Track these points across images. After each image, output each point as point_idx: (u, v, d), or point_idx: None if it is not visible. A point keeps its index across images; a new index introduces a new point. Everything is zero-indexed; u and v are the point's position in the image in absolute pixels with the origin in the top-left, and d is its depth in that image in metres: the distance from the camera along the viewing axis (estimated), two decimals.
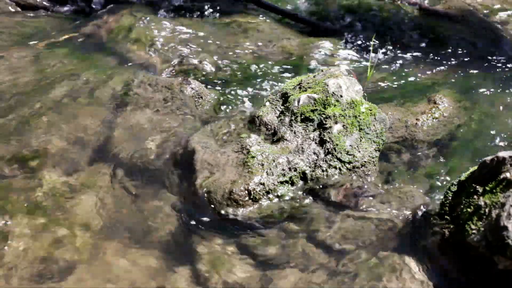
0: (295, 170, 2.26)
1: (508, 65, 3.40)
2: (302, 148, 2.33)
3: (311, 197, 2.26)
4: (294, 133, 2.39)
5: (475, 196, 1.86)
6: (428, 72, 3.31)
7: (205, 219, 2.21)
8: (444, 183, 2.38)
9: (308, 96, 2.44)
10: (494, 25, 3.83)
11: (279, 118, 2.48)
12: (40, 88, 3.03)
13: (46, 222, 2.18)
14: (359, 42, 3.59)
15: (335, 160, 2.31)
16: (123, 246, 2.11)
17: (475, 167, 1.94)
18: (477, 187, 1.87)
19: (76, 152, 2.58)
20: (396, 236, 2.09)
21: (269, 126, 2.48)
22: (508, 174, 1.79)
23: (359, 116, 2.39)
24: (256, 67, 3.33)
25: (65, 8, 4.12)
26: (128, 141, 2.63)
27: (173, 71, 3.27)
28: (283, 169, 2.25)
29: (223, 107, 2.91)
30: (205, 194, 2.23)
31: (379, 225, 2.14)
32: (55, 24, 3.89)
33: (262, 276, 1.98)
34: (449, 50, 3.56)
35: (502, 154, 1.85)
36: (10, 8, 4.06)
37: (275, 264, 2.02)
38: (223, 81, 3.19)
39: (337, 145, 2.32)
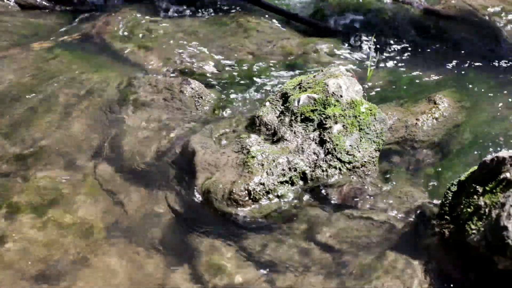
0: (295, 170, 2.26)
1: (508, 65, 3.40)
2: (302, 148, 2.33)
3: (311, 197, 2.26)
4: (294, 133, 2.39)
5: (475, 196, 1.86)
6: (428, 72, 3.31)
7: (205, 219, 2.21)
8: (444, 183, 2.38)
9: (308, 96, 2.44)
10: (494, 25, 3.83)
11: (279, 118, 2.48)
12: (40, 88, 3.03)
13: (45, 221, 2.18)
14: (359, 42, 3.59)
15: (335, 160, 2.31)
16: (123, 245, 2.11)
17: (475, 167, 1.94)
18: (477, 187, 1.87)
19: (76, 152, 2.58)
20: (396, 236, 2.09)
21: (269, 126, 2.48)
22: (508, 174, 1.79)
23: (359, 116, 2.39)
24: (256, 67, 3.33)
25: (65, 8, 4.12)
26: (128, 141, 2.63)
27: (173, 71, 3.27)
28: (283, 169, 2.25)
29: (223, 107, 2.91)
30: (205, 194, 2.23)
31: (379, 225, 2.14)
32: (55, 24, 3.89)
33: (262, 276, 1.98)
34: (449, 50, 3.56)
35: (502, 154, 1.85)
36: (10, 8, 4.06)
37: (275, 264, 2.02)
38: (223, 81, 3.19)
39: (337, 145, 2.32)
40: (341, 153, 2.32)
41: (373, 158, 2.37)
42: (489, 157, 1.89)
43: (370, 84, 3.13)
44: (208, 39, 3.60)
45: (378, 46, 3.54)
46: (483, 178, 1.88)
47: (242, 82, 3.17)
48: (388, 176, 2.44)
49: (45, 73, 3.19)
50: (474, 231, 1.79)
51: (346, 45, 3.57)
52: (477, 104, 2.91)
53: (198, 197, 2.26)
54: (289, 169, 2.26)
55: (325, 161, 2.31)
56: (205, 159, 2.36)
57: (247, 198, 2.18)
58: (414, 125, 2.67)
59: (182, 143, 2.54)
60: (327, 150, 2.32)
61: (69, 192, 2.33)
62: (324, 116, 2.38)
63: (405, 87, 3.15)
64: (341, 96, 2.42)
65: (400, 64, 3.42)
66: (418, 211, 2.16)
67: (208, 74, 3.25)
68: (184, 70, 3.27)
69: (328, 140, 2.33)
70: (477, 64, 3.41)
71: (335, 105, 2.40)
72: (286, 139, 2.38)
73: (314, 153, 2.32)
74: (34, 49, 3.47)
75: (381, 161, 2.47)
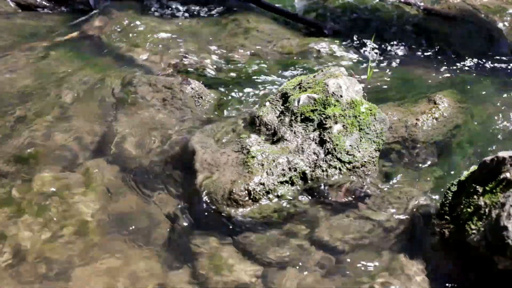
0: (295, 170, 2.26)
1: (508, 65, 3.40)
2: (302, 148, 2.33)
3: (311, 197, 2.26)
4: (294, 133, 2.39)
5: (475, 196, 1.86)
6: (428, 72, 3.31)
7: (205, 219, 2.21)
8: (444, 183, 2.38)
9: (308, 96, 2.44)
10: (494, 25, 3.83)
11: (279, 118, 2.48)
12: (40, 88, 3.03)
13: (45, 221, 2.18)
14: (359, 42, 3.59)
15: (335, 160, 2.31)
16: (123, 245, 2.11)
17: (475, 167, 1.95)
18: (477, 187, 1.87)
19: (76, 152, 2.58)
20: (396, 236, 2.09)
21: (269, 126, 2.48)
22: (508, 174, 1.79)
23: (359, 116, 2.39)
24: (256, 67, 3.33)
25: (65, 8, 4.12)
26: (128, 141, 2.63)
27: (173, 71, 3.27)
28: (283, 169, 2.25)
29: (223, 107, 2.91)
30: (205, 194, 2.23)
31: (378, 225, 2.14)
32: (55, 24, 3.88)
33: (262, 276, 1.98)
34: (449, 50, 3.56)
35: (502, 154, 1.85)
36: (10, 8, 4.06)
37: (275, 264, 2.02)
38: (223, 81, 3.18)
39: (337, 145, 2.32)
40: (341, 153, 2.31)
41: (373, 158, 2.37)
42: (489, 157, 1.89)
43: (370, 84, 3.13)
44: (208, 39, 3.60)
45: (378, 46, 3.54)
46: (483, 178, 1.88)
47: (242, 82, 3.17)
48: (388, 176, 2.44)
49: (44, 73, 3.19)
50: (474, 231, 1.79)
51: (346, 45, 3.57)
52: (477, 104, 2.91)
53: (198, 197, 2.26)
54: (289, 169, 2.26)
55: (325, 161, 2.31)
56: (205, 158, 2.35)
57: (247, 198, 2.18)
58: (414, 125, 2.67)
59: (182, 143, 2.54)
60: (327, 150, 2.32)
61: (69, 192, 2.33)
62: (324, 116, 2.38)
63: (405, 87, 3.14)
64: (341, 96, 2.42)
65: (400, 64, 3.42)
66: (418, 211, 2.15)
67: (208, 74, 3.25)
68: (184, 70, 3.27)
69: (328, 140, 2.33)
70: (477, 64, 3.42)
71: (335, 105, 2.40)
72: (286, 139, 2.38)
73: (314, 153, 2.32)
74: (38, 48, 3.46)
75: (381, 161, 2.47)
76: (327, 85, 2.44)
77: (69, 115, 2.81)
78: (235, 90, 3.06)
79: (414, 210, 2.17)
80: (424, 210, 2.15)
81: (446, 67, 3.38)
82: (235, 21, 3.84)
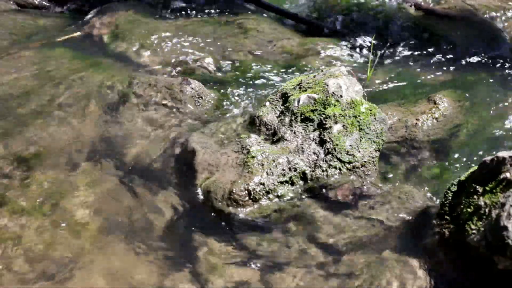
0: (295, 170, 2.26)
1: (508, 65, 3.40)
2: (302, 148, 2.34)
3: (311, 197, 2.26)
4: (294, 133, 2.39)
5: (475, 196, 1.86)
6: (428, 72, 3.31)
7: (205, 219, 2.21)
8: (444, 183, 2.38)
9: (308, 96, 2.44)
10: (494, 25, 3.83)
11: (279, 118, 2.48)
12: (40, 88, 3.03)
13: (45, 221, 2.18)
14: (359, 42, 3.59)
15: (335, 160, 2.31)
16: (122, 246, 2.11)
17: (475, 167, 1.95)
18: (477, 187, 1.87)
19: (76, 152, 2.57)
20: (396, 236, 2.09)
21: (269, 126, 2.48)
22: (508, 174, 1.79)
23: (359, 116, 2.40)
24: (256, 67, 3.33)
25: (65, 8, 4.12)
26: (128, 141, 2.63)
27: (173, 71, 3.27)
28: (283, 169, 2.25)
29: (223, 107, 2.91)
30: (205, 194, 2.23)
31: (378, 225, 2.14)
32: (55, 24, 3.89)
33: (262, 276, 1.98)
34: (449, 50, 3.56)
35: (502, 154, 1.85)
36: (10, 8, 4.06)
37: (275, 264, 2.02)
38: (223, 81, 3.19)
39: (337, 145, 2.32)
40: (341, 153, 2.32)
41: (373, 158, 2.37)
42: (489, 157, 1.89)
43: (370, 84, 3.13)
44: (208, 39, 3.60)
45: (378, 46, 3.54)
46: (483, 178, 1.88)
47: (242, 82, 3.17)
48: (388, 176, 2.44)
49: (45, 73, 3.19)
50: (474, 231, 1.79)
51: (346, 45, 3.57)
52: (477, 104, 2.91)
53: (198, 197, 2.26)
54: (289, 169, 2.26)
55: (325, 161, 2.31)
56: (205, 159, 2.36)
57: (247, 198, 2.18)
58: (414, 125, 2.67)
59: (182, 143, 2.54)
60: (327, 150, 2.32)
61: (69, 192, 2.33)
62: (324, 116, 2.38)
63: (405, 87, 3.14)
64: (341, 96, 2.42)
65: (400, 64, 3.42)
66: (418, 211, 2.16)
67: (208, 74, 3.25)
68: (184, 70, 3.27)
69: (328, 140, 2.33)
70: (476, 64, 3.41)
71: (335, 105, 2.40)
72: (286, 139, 2.38)
73: (314, 153, 2.32)
74: (38, 48, 3.46)
75: (381, 161, 2.47)
76: (327, 85, 2.44)
77: (69, 116, 2.80)
78: (235, 90, 3.06)
79: (414, 210, 2.17)
80: (424, 210, 2.15)
81: (446, 67, 3.38)
82: (235, 21, 3.84)
